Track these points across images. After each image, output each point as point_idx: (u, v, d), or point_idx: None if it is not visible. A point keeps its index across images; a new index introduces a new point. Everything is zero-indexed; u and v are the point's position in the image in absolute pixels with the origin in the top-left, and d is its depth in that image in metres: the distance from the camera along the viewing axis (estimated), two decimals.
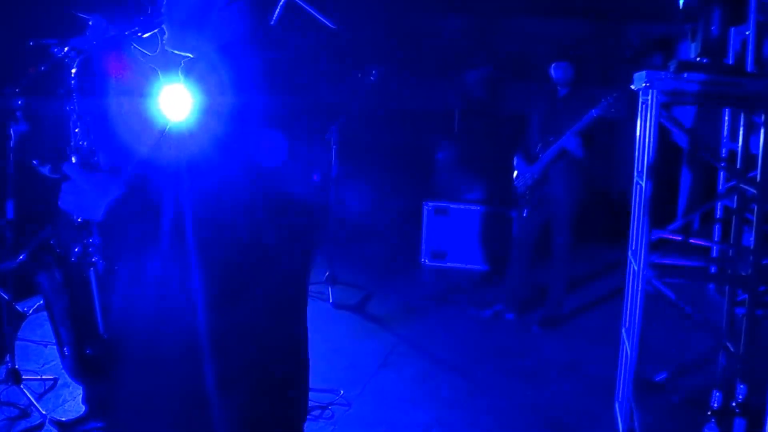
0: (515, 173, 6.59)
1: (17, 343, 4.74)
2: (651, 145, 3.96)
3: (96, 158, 2.19)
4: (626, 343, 4.43)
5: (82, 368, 2.29)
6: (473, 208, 8.24)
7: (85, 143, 2.20)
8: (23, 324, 5.48)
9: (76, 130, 2.20)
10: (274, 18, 2.32)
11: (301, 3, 2.16)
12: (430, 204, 8.35)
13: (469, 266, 8.20)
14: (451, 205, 8.29)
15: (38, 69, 2.75)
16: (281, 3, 2.32)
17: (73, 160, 2.17)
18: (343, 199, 7.30)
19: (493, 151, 8.23)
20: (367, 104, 7.03)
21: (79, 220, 2.14)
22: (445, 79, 14.68)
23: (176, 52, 2.17)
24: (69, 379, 3.11)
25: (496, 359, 5.82)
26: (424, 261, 8.36)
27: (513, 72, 14.87)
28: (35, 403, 4.44)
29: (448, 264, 8.27)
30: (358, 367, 5.49)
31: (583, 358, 5.86)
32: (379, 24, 15.56)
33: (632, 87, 4.35)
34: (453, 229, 8.27)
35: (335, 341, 5.95)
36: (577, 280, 7.62)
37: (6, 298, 4.44)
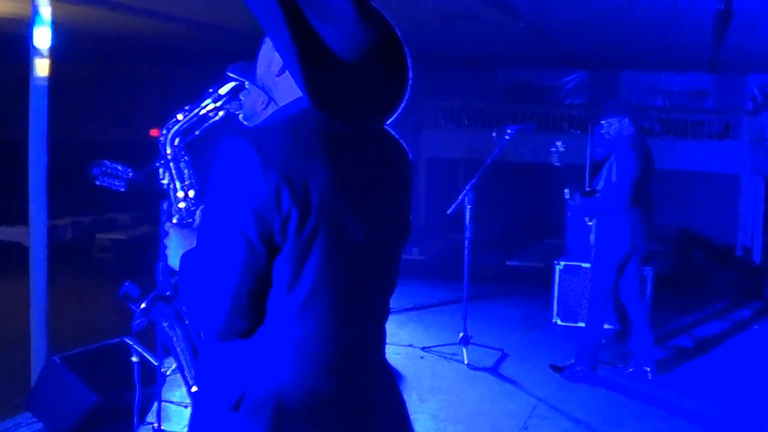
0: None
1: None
2: None
3: (192, 219, 2.40)
4: None
5: None
6: None
7: (184, 205, 2.43)
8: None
9: (179, 194, 2.43)
10: None
11: None
12: (561, 263, 8.37)
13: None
14: (583, 264, 8.28)
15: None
16: None
17: (174, 220, 2.39)
18: (474, 258, 7.37)
19: None
20: (499, 160, 7.13)
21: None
22: (574, 135, 14.68)
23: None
24: None
25: (636, 421, 5.81)
26: (556, 321, 8.37)
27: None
28: None
29: (580, 323, 8.24)
30: (499, 431, 5.54)
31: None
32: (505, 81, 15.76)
33: None
34: (585, 287, 8.26)
35: (473, 404, 5.97)
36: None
37: (149, 356, 4.46)
